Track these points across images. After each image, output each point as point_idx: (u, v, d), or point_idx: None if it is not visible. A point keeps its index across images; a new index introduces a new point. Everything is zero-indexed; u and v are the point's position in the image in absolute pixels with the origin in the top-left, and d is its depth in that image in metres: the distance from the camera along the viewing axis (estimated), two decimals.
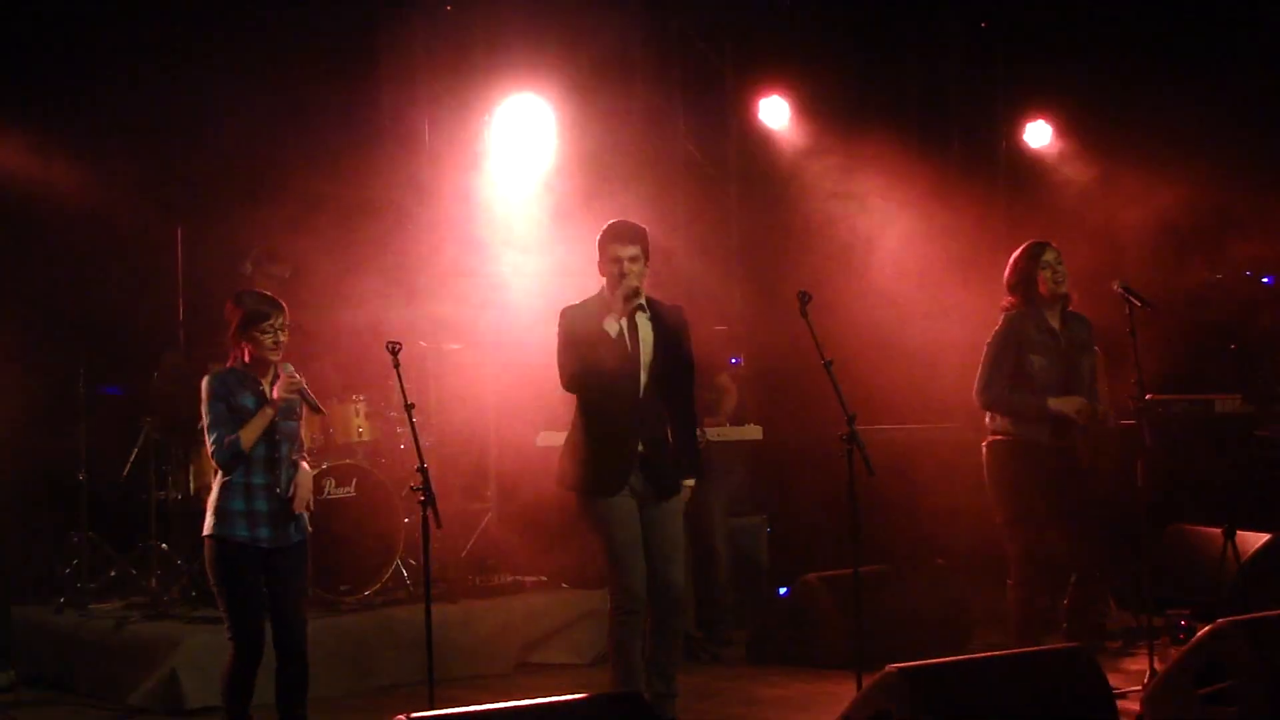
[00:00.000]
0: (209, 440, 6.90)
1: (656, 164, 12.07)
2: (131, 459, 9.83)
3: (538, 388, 10.47)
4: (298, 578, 7.09)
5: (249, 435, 6.85)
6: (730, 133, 12.64)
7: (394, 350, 7.24)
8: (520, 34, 11.40)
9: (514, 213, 11.33)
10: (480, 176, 11.41)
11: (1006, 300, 9.12)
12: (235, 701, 6.99)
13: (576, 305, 7.67)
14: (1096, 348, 8.73)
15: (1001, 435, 8.38)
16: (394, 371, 7.29)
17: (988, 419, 8.49)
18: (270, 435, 6.94)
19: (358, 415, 9.98)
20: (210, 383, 6.97)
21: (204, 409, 6.95)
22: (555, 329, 7.67)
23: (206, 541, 6.98)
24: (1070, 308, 8.53)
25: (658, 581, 7.51)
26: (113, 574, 9.73)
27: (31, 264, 10.38)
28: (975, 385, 8.44)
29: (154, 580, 9.45)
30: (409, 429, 7.41)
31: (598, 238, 7.68)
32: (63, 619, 9.37)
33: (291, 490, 7.03)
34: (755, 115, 12.67)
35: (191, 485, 9.64)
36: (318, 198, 11.07)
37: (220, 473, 6.97)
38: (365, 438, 10.01)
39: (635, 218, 11.46)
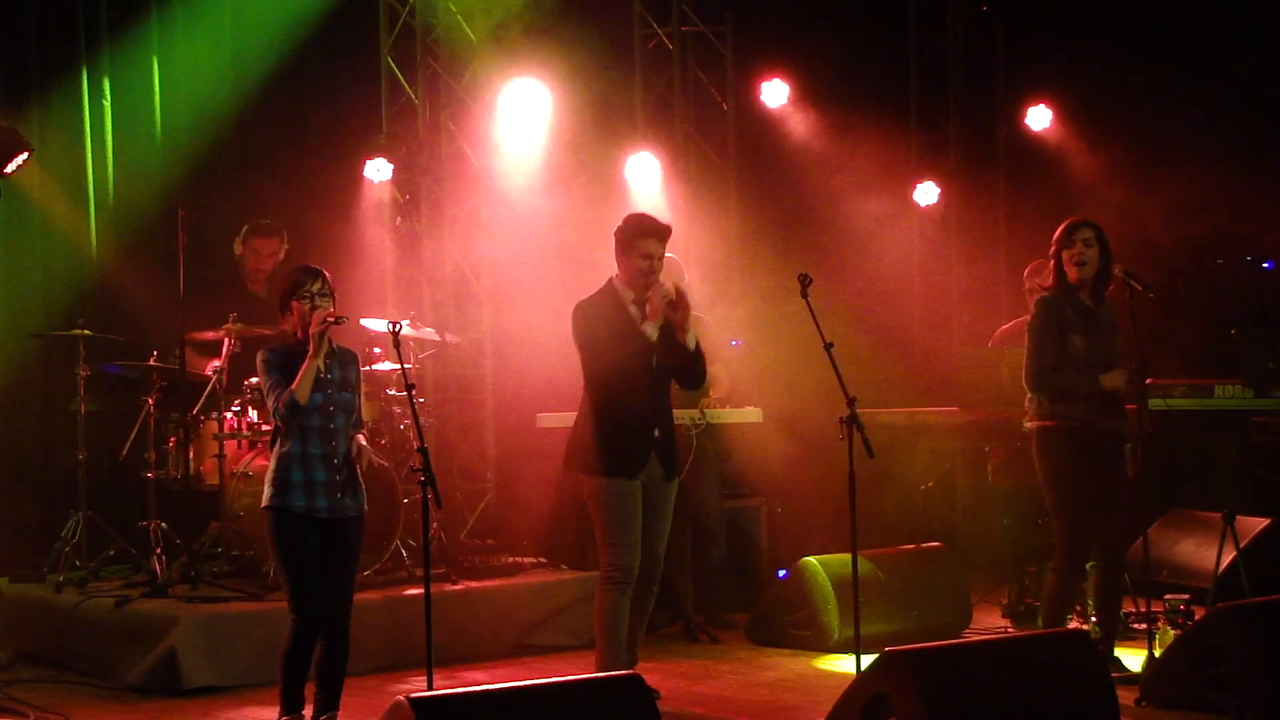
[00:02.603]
0: (269, 403, 6.99)
1: (657, 146, 12.05)
2: (131, 438, 9.82)
3: (539, 369, 10.49)
4: (351, 553, 7.10)
5: (302, 387, 6.88)
6: (730, 115, 12.62)
7: (394, 331, 7.23)
8: (521, 15, 11.37)
9: (513, 195, 11.32)
10: (480, 158, 11.39)
11: (1030, 282, 9.37)
12: (293, 676, 6.99)
13: (589, 300, 7.76)
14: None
15: (1050, 421, 8.30)
16: (394, 352, 7.29)
17: (1035, 405, 8.38)
18: (325, 406, 6.98)
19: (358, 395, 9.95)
20: (264, 354, 7.07)
21: (262, 380, 7.07)
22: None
23: (265, 514, 7.01)
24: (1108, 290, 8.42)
25: (647, 557, 7.75)
26: (111, 553, 9.72)
27: (31, 242, 10.37)
28: (1025, 372, 8.35)
29: (153, 560, 9.44)
30: (409, 410, 7.39)
31: (622, 227, 7.75)
32: (61, 598, 9.35)
33: (355, 451, 7.08)
34: (756, 97, 12.65)
35: (191, 465, 9.64)
36: (316, 177, 11.08)
37: (277, 445, 7.01)
38: (365, 418, 9.97)
39: (636, 200, 11.59)
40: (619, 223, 7.84)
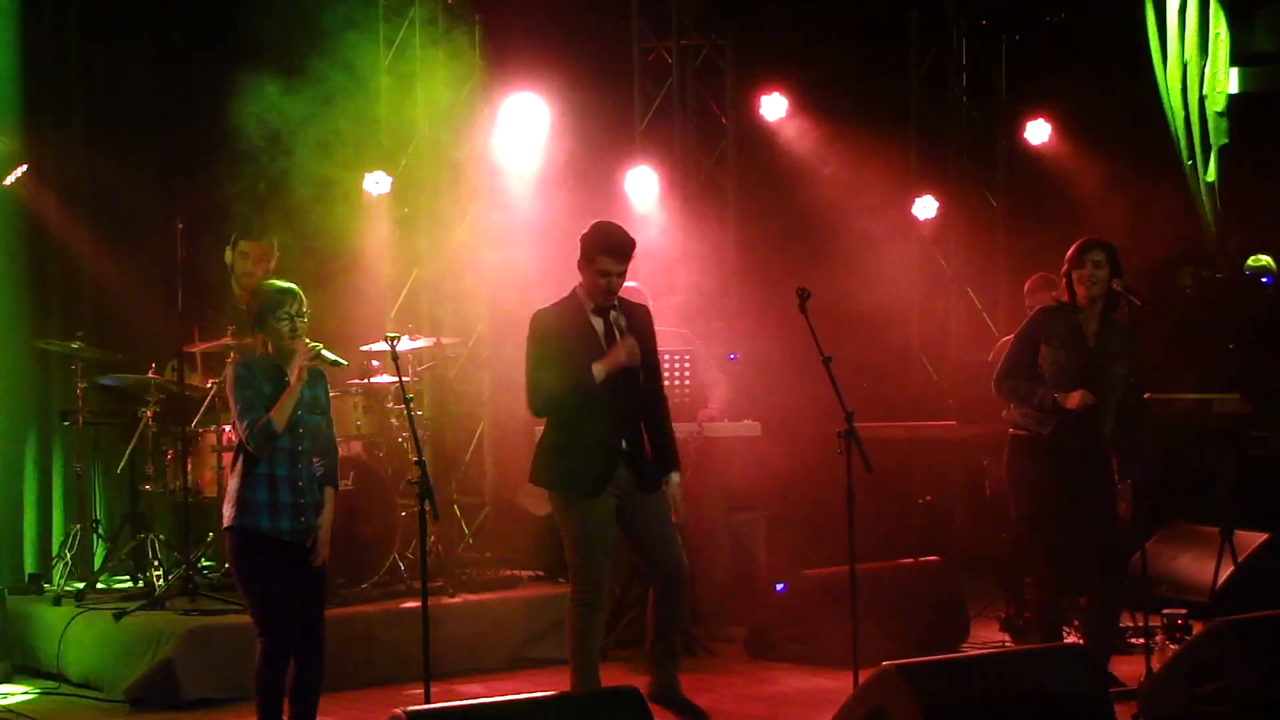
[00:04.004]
0: (241, 426, 6.76)
1: (655, 160, 12.06)
2: (129, 451, 9.83)
3: None
4: (318, 576, 6.95)
5: (280, 415, 6.71)
6: (729, 128, 12.63)
7: (392, 344, 7.22)
8: (519, 29, 11.39)
9: (512, 209, 11.34)
10: (478, 172, 11.41)
11: (1031, 299, 9.39)
12: (269, 700, 6.83)
13: (549, 309, 7.64)
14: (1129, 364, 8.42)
15: (1017, 430, 8.35)
16: (392, 366, 7.27)
17: (1005, 413, 8.45)
18: (295, 428, 6.80)
19: (355, 408, 9.99)
20: (235, 370, 6.87)
21: (232, 398, 6.82)
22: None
23: (227, 534, 6.86)
24: (1117, 315, 8.40)
25: (659, 563, 7.65)
26: (110, 565, 9.73)
27: (31, 254, 10.38)
28: (994, 375, 8.43)
29: (151, 572, 9.45)
30: (407, 422, 7.39)
31: (584, 237, 7.58)
32: (59, 610, 9.37)
33: (316, 535, 6.89)
34: (755, 111, 12.66)
35: (189, 477, 9.65)
36: (315, 190, 11.08)
37: (240, 464, 6.85)
38: (363, 430, 10.02)
39: (635, 214, 11.61)
40: (586, 229, 7.68)
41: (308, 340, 6.87)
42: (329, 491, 7.00)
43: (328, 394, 7.07)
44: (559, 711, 6.12)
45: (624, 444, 7.57)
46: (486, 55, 11.48)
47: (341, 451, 9.60)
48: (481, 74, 11.46)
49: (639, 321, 7.71)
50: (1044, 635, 8.29)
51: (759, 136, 12.71)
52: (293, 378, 6.79)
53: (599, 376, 7.44)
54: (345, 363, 7.08)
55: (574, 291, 7.65)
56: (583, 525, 7.53)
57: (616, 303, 7.62)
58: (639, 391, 7.63)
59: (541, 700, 6.29)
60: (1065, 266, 8.33)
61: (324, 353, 6.90)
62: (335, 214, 11.13)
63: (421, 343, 10.38)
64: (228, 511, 6.86)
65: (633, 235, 7.65)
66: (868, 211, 12.68)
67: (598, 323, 7.57)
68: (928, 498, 11.15)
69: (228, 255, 10.36)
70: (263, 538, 6.78)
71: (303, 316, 6.86)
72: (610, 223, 7.69)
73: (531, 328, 7.59)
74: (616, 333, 7.57)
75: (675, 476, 7.71)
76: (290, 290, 6.93)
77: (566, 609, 7.62)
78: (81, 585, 9.54)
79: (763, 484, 10.72)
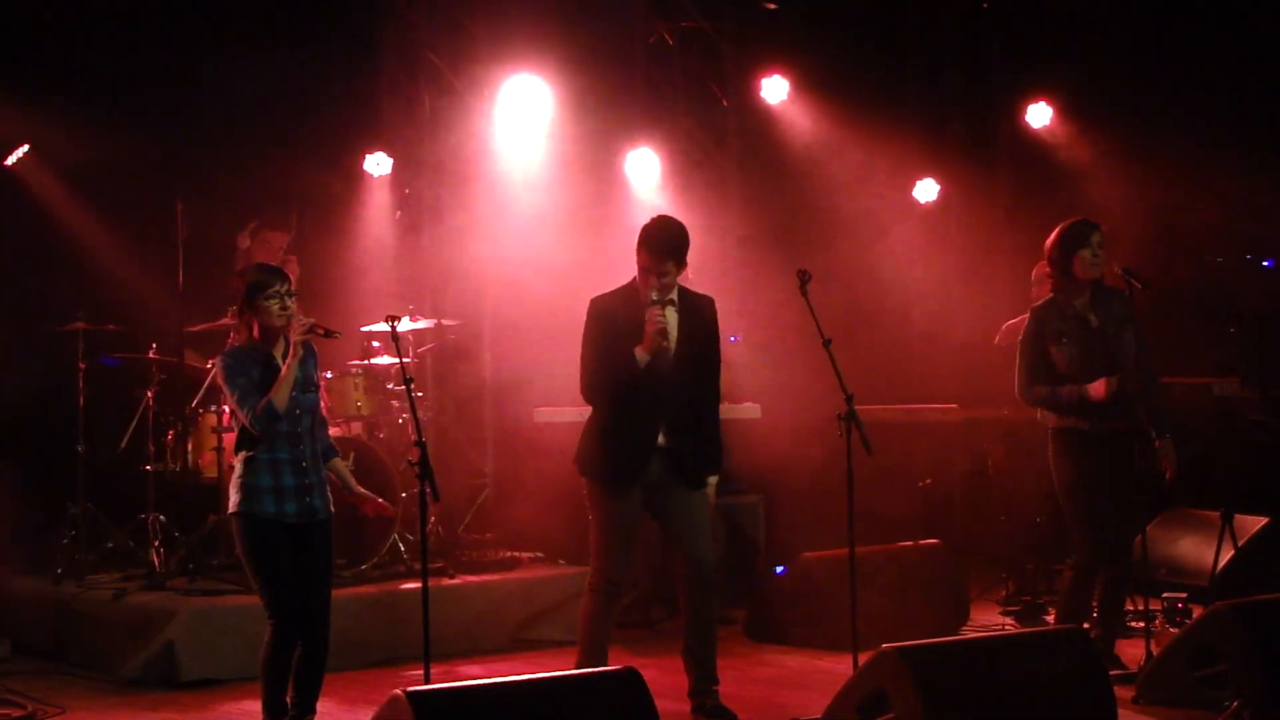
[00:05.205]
0: (241, 413, 6.75)
1: (657, 142, 12.05)
2: (130, 431, 9.83)
3: (538, 364, 10.50)
4: (322, 556, 6.95)
5: (280, 394, 6.69)
6: (730, 111, 12.62)
7: (393, 325, 7.21)
8: (521, 10, 11.38)
9: (513, 190, 11.33)
10: (480, 153, 11.40)
11: (1037, 290, 9.23)
12: (275, 682, 6.84)
13: (606, 296, 7.60)
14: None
15: (1057, 424, 8.28)
16: (393, 346, 7.25)
17: (1039, 412, 8.41)
18: (291, 409, 6.79)
19: (356, 389, 9.98)
20: (224, 361, 6.85)
21: (226, 388, 6.83)
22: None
23: (234, 519, 6.86)
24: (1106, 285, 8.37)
25: (685, 558, 7.59)
26: (110, 546, 9.74)
27: (31, 235, 10.38)
28: (1016, 388, 8.36)
29: (151, 552, 9.45)
30: (407, 403, 7.39)
31: (641, 230, 7.48)
32: (60, 590, 9.38)
33: (370, 497, 7.21)
34: (756, 93, 12.65)
35: (190, 457, 9.65)
36: (315, 170, 11.09)
37: (244, 449, 6.85)
38: (363, 411, 10.01)
39: (636, 196, 11.61)
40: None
41: (300, 316, 6.87)
42: (336, 462, 7.12)
43: (317, 368, 7.07)
44: (559, 692, 6.13)
45: (664, 439, 7.53)
46: (488, 36, 11.47)
47: (342, 432, 9.70)
48: (483, 55, 11.44)
49: (697, 314, 7.62)
50: (1067, 618, 8.25)
51: (760, 119, 12.70)
52: (289, 354, 6.78)
53: (642, 361, 7.40)
54: (340, 333, 7.05)
55: (633, 280, 7.58)
56: (607, 515, 7.55)
57: (674, 297, 7.51)
58: (686, 386, 7.55)
59: (541, 681, 6.29)
60: (1059, 251, 8.26)
61: (316, 324, 6.89)
62: (336, 194, 11.15)
63: (422, 324, 10.38)
64: (233, 497, 6.87)
65: (683, 235, 7.51)
66: (869, 194, 12.68)
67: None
68: (928, 481, 11.15)
69: (244, 240, 10.34)
70: (269, 522, 6.79)
71: (292, 295, 6.87)
72: (661, 218, 7.57)
73: (588, 313, 7.58)
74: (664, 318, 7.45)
75: (710, 479, 7.73)
76: (277, 270, 6.97)
77: (583, 592, 7.64)
78: (82, 565, 9.54)
79: (763, 466, 10.72)
